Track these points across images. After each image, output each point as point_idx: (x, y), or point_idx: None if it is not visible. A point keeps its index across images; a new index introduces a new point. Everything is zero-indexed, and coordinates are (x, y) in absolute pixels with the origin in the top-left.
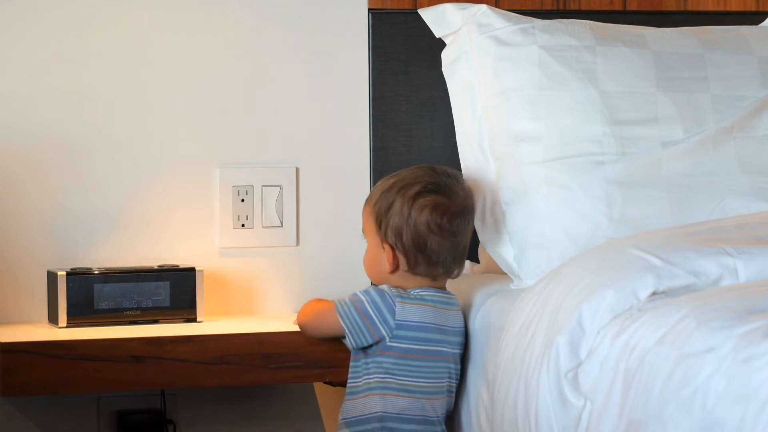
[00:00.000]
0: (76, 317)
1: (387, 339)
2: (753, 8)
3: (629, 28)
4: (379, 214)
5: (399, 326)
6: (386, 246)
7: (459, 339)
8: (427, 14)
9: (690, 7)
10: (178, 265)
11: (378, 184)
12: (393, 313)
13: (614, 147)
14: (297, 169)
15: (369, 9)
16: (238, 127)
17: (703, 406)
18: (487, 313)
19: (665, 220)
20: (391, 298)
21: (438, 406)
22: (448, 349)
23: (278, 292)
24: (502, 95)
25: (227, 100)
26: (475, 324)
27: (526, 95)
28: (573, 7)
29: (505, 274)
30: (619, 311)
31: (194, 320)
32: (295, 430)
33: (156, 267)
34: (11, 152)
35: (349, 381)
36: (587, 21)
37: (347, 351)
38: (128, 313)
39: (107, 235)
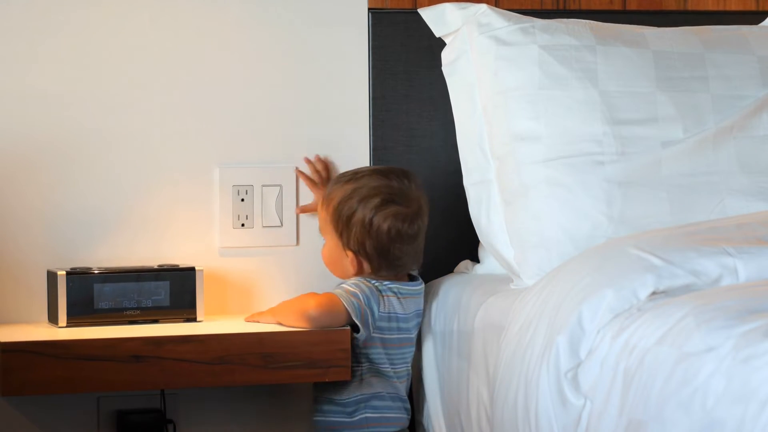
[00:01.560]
0: (76, 317)
1: (371, 330)
2: (753, 8)
3: (629, 27)
4: (339, 221)
5: (381, 318)
6: (349, 253)
7: (417, 321)
8: (427, 14)
9: (690, 7)
10: (178, 265)
11: (335, 185)
12: (378, 305)
13: (614, 147)
14: (297, 169)
15: (369, 9)
16: (238, 127)
17: (703, 406)
18: (487, 312)
19: (665, 220)
20: (377, 291)
21: (406, 387)
22: (413, 334)
23: (278, 292)
24: (502, 95)
25: (227, 100)
26: (475, 323)
27: (526, 95)
28: (573, 6)
29: (505, 273)
30: (619, 311)
31: (194, 320)
32: (295, 430)
33: (156, 267)
34: (11, 152)
35: None
36: (587, 21)
37: (347, 350)
38: (128, 312)
39: (107, 235)
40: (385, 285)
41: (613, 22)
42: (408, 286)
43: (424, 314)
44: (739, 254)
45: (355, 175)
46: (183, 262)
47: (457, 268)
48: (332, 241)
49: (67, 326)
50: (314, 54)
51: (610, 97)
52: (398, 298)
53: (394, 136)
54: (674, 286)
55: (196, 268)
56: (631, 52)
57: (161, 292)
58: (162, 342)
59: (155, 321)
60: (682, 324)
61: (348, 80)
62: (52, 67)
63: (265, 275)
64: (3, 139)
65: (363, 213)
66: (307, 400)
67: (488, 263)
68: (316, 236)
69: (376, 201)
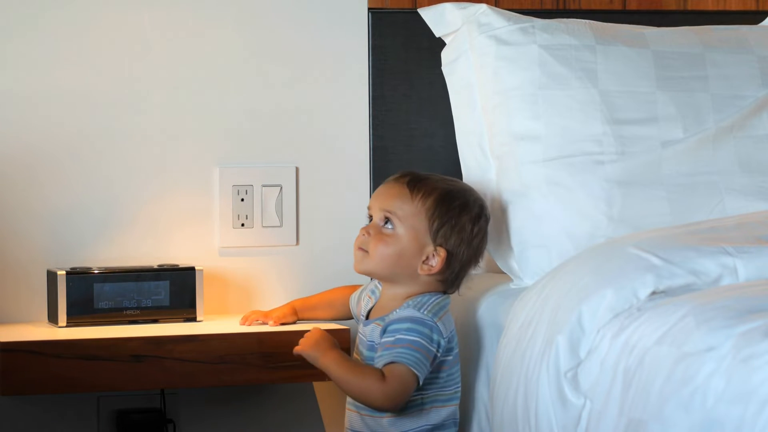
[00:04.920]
0: (75, 317)
1: (438, 356)
2: (753, 8)
3: (629, 27)
4: (434, 218)
5: (448, 341)
6: (441, 250)
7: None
8: (427, 14)
9: (690, 7)
10: (177, 265)
11: (423, 180)
12: (440, 333)
13: (614, 146)
14: (297, 169)
15: (369, 9)
16: (238, 127)
17: (703, 406)
18: (486, 312)
19: (665, 220)
20: (430, 321)
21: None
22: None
23: (278, 292)
24: (502, 95)
25: (227, 100)
26: (475, 323)
27: (525, 94)
28: (573, 6)
29: (505, 273)
30: (618, 310)
31: (194, 320)
32: (295, 430)
33: (156, 266)
34: (11, 153)
35: None
36: (587, 20)
37: (347, 350)
38: (128, 312)
39: (107, 235)
40: (431, 300)
41: (613, 22)
42: (446, 297)
43: None
44: (739, 254)
45: (444, 179)
46: (183, 261)
47: None
48: (411, 233)
49: (67, 326)
50: (314, 54)
51: (610, 97)
52: (449, 313)
53: (394, 136)
54: (674, 286)
55: (196, 268)
56: (631, 51)
57: (161, 291)
58: (162, 342)
59: (155, 321)
60: (681, 324)
61: (348, 80)
62: (51, 67)
63: (264, 275)
64: (2, 139)
65: (466, 219)
66: (306, 401)
67: (488, 263)
68: (315, 236)
69: (476, 211)
